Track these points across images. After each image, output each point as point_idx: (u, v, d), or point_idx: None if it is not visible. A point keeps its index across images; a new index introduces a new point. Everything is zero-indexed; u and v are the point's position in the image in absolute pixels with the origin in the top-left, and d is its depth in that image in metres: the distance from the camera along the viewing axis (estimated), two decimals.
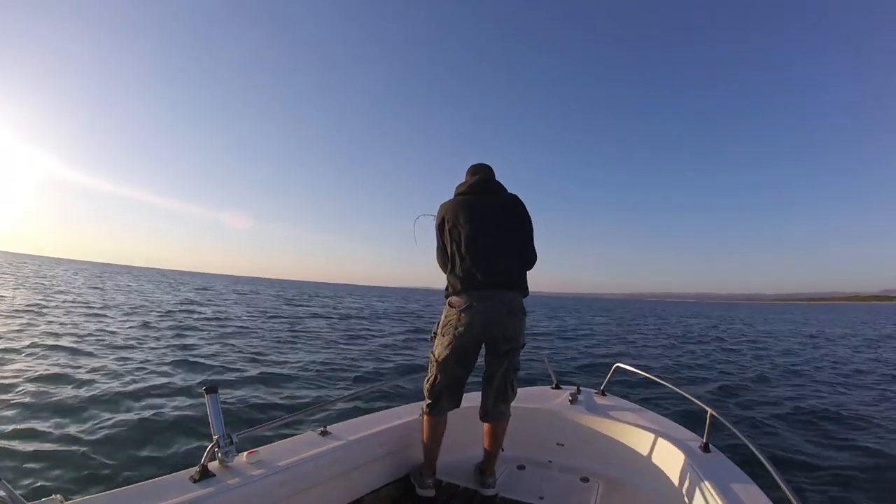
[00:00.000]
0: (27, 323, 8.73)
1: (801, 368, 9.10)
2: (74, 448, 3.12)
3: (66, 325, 8.86)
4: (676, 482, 1.74)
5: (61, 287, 21.14)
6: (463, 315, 1.77)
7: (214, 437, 1.35)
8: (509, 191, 1.99)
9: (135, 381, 4.92)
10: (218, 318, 12.86)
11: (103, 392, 4.42)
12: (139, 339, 7.85)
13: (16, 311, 10.44)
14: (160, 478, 1.30)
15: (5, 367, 5.11)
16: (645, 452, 2.02)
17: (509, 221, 1.88)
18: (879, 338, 17.54)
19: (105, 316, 11.04)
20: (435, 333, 1.88)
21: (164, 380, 5.08)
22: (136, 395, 4.38)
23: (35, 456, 2.96)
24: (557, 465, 2.21)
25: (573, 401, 2.39)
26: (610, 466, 2.12)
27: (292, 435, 1.74)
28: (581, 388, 2.54)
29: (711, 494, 1.44)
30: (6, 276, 27.20)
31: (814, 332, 20.35)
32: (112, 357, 6.16)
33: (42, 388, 4.44)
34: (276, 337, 9.76)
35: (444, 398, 1.85)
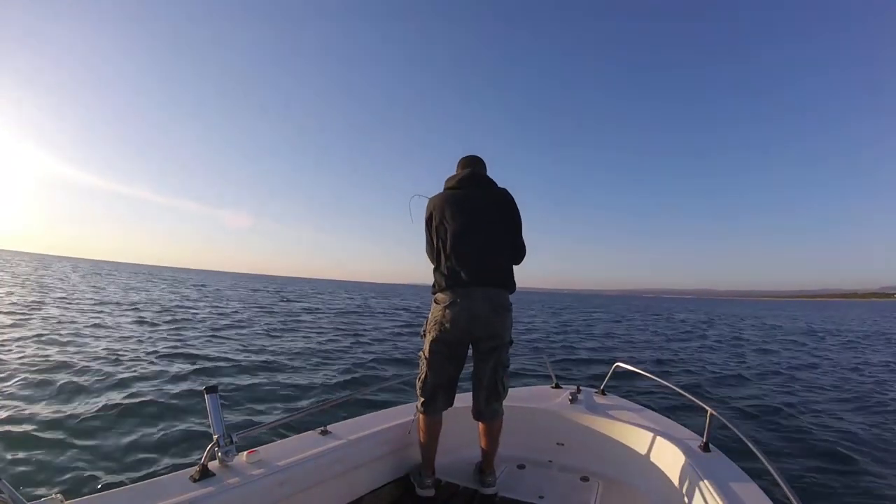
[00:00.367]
0: (23, 318, 8.76)
1: (796, 368, 9.10)
2: (71, 446, 3.12)
3: (62, 321, 8.88)
4: (676, 482, 1.74)
5: (57, 283, 21.18)
6: (448, 312, 1.78)
7: (214, 437, 1.35)
8: (499, 185, 1.96)
9: (132, 378, 4.92)
10: (213, 314, 12.89)
11: (99, 388, 4.43)
12: (134, 335, 7.85)
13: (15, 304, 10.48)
14: (160, 477, 1.30)
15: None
16: (645, 452, 2.02)
17: (497, 217, 1.87)
18: (865, 335, 17.56)
19: (101, 311, 11.06)
20: (425, 331, 1.88)
21: (162, 376, 5.08)
22: (134, 394, 4.39)
23: (32, 451, 2.97)
24: (557, 465, 2.21)
25: (573, 400, 2.39)
26: (610, 466, 2.12)
27: (292, 435, 1.74)
28: (581, 388, 2.55)
29: (711, 494, 1.44)
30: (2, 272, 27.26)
31: (807, 329, 20.34)
32: (105, 351, 6.17)
33: (37, 380, 4.46)
34: (270, 331, 9.80)
35: (438, 397, 1.85)
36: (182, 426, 3.64)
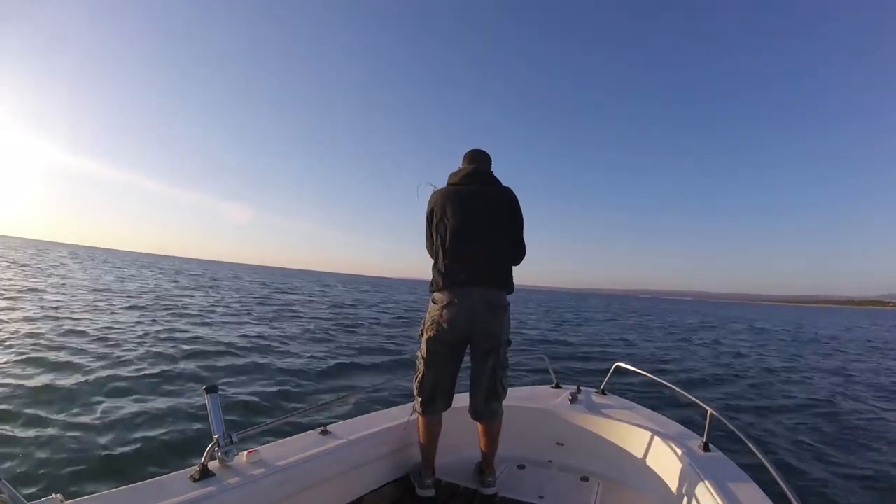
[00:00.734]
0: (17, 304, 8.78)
1: (792, 370, 9.11)
2: (69, 444, 3.12)
3: (59, 308, 8.89)
4: (676, 482, 1.74)
5: (55, 270, 21.20)
6: (445, 312, 1.77)
7: (214, 437, 1.35)
8: (504, 183, 1.94)
9: (123, 368, 4.92)
10: (207, 303, 12.91)
11: (95, 382, 4.42)
12: (130, 326, 7.86)
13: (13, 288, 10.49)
14: (160, 477, 1.30)
15: None
16: (645, 452, 2.02)
17: (498, 216, 1.85)
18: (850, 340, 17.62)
19: (99, 300, 11.07)
20: (422, 331, 1.87)
21: (159, 374, 5.08)
22: (131, 389, 4.38)
23: (29, 447, 2.97)
24: (557, 465, 2.21)
25: (573, 400, 2.39)
26: (610, 466, 2.12)
27: (292, 435, 1.74)
28: (581, 388, 2.54)
29: (711, 494, 1.44)
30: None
31: (806, 333, 20.35)
32: (101, 345, 6.15)
33: (30, 373, 4.46)
34: (268, 322, 9.82)
35: (437, 398, 1.83)
36: (177, 425, 3.63)
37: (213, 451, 1.35)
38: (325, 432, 1.77)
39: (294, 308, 14.70)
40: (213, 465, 1.37)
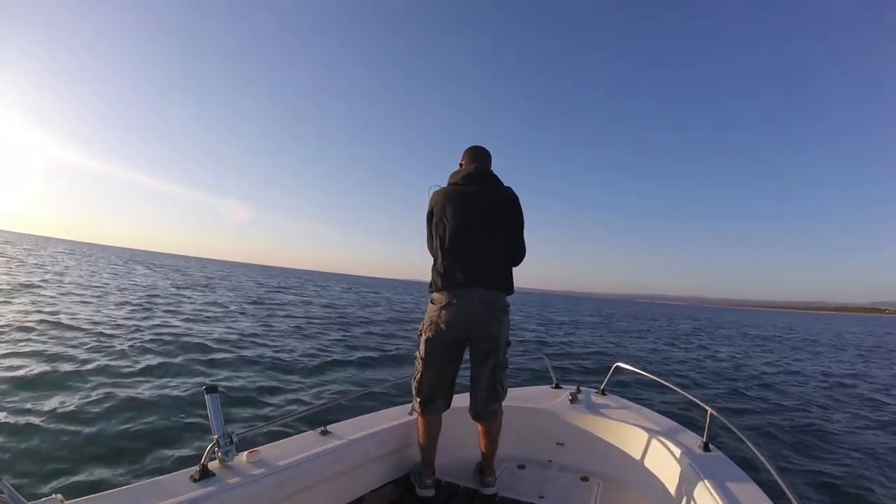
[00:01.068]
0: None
1: (787, 375, 9.12)
2: (67, 444, 3.12)
3: (51, 303, 8.88)
4: (676, 482, 1.74)
5: (51, 266, 21.21)
6: (443, 313, 1.76)
7: (214, 437, 1.35)
8: (505, 183, 1.93)
9: (116, 367, 4.90)
10: (204, 303, 12.91)
11: (94, 383, 4.41)
12: (122, 321, 7.86)
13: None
14: (160, 477, 1.29)
15: None
16: (645, 452, 2.02)
17: (499, 217, 1.83)
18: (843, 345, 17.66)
19: (96, 297, 11.06)
20: (421, 331, 1.86)
21: (156, 374, 5.08)
22: (129, 387, 4.38)
23: (28, 446, 2.97)
24: (557, 465, 2.21)
25: (573, 400, 2.39)
26: (610, 466, 2.12)
27: (292, 435, 1.74)
28: (581, 388, 2.55)
29: (711, 494, 1.44)
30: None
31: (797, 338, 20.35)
32: (92, 339, 6.15)
33: (26, 370, 4.45)
34: (262, 323, 9.83)
35: (436, 398, 1.83)
36: (179, 424, 3.63)
37: (213, 451, 1.35)
38: (325, 432, 1.77)
39: (288, 307, 14.72)
40: (213, 465, 1.37)
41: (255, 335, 8.13)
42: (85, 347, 5.74)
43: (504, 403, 1.89)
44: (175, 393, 4.34)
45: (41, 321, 7.03)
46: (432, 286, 1.84)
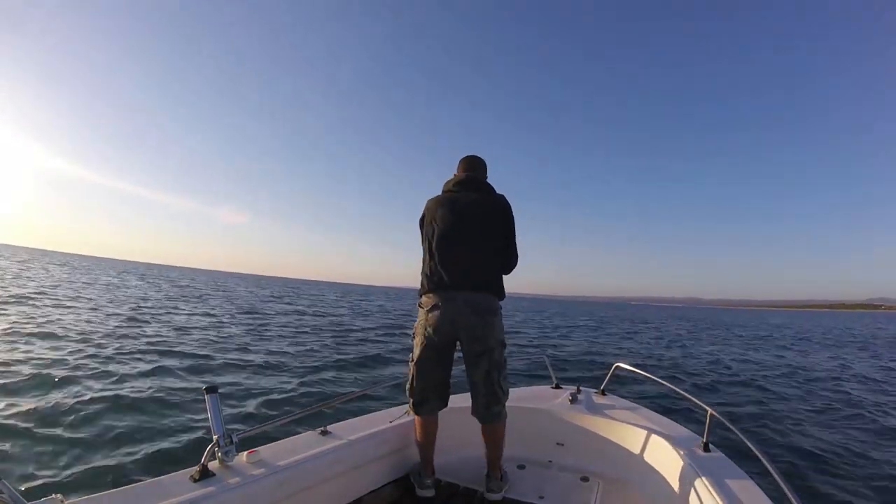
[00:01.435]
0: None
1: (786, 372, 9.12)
2: (66, 444, 3.12)
3: (48, 317, 8.87)
4: (676, 482, 1.74)
5: (44, 279, 21.19)
6: (430, 316, 1.78)
7: (214, 437, 1.35)
8: (498, 192, 1.95)
9: (125, 380, 4.92)
10: (196, 313, 12.91)
11: (93, 389, 4.42)
12: (111, 330, 7.87)
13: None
14: (160, 477, 1.30)
15: None
16: (645, 452, 2.02)
17: (487, 223, 1.84)
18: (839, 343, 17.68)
19: (89, 308, 11.06)
20: (413, 334, 1.89)
21: (155, 376, 5.09)
22: (128, 394, 4.39)
23: (28, 449, 2.97)
24: (557, 465, 2.21)
25: (573, 400, 2.39)
26: (610, 466, 2.12)
27: (292, 435, 1.74)
28: (581, 388, 2.54)
29: (711, 494, 1.44)
30: None
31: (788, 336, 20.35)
32: (80, 348, 6.15)
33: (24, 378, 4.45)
34: (252, 332, 9.82)
35: (429, 399, 1.84)
36: (178, 425, 3.64)
37: (213, 451, 1.36)
38: (325, 432, 1.77)
39: (281, 315, 14.76)
40: (213, 465, 1.37)
41: (248, 343, 8.15)
42: (78, 356, 5.75)
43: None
44: (169, 397, 4.35)
45: (33, 332, 7.04)
46: (420, 289, 1.86)
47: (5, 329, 7.08)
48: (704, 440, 1.83)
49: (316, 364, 6.50)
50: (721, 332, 21.86)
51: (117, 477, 2.75)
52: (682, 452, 1.78)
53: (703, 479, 1.53)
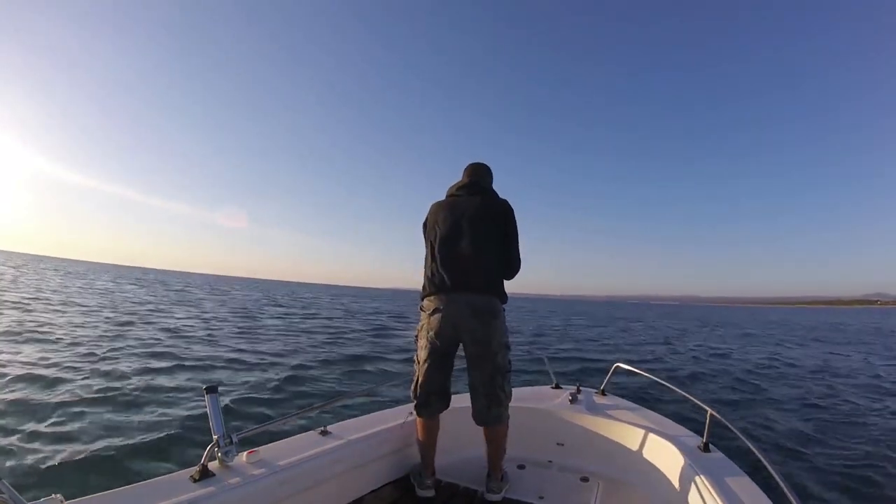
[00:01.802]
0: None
1: (786, 369, 9.13)
2: (66, 445, 3.12)
3: (45, 321, 8.88)
4: (676, 482, 1.74)
5: (40, 284, 21.19)
6: (432, 319, 1.79)
7: (214, 437, 1.35)
8: (501, 196, 1.96)
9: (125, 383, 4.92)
10: (190, 316, 12.92)
11: (93, 391, 4.42)
12: (102, 333, 7.88)
13: None
14: (160, 477, 1.30)
15: None
16: (645, 452, 2.02)
17: (489, 226, 1.84)
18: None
19: (84, 313, 11.06)
20: (416, 337, 1.90)
21: (153, 380, 5.08)
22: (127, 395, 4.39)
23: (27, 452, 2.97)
24: (557, 465, 2.21)
25: (573, 401, 2.39)
26: (610, 466, 2.12)
27: (292, 435, 1.74)
28: (581, 388, 2.54)
29: (711, 494, 1.44)
30: None
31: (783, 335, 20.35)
32: (92, 354, 6.16)
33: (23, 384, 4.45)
34: (252, 332, 9.84)
35: (432, 401, 1.85)
36: (178, 425, 3.63)
37: (213, 451, 1.35)
38: (325, 432, 1.77)
39: (279, 317, 14.76)
40: (213, 465, 1.37)
41: (240, 344, 8.15)
42: (74, 360, 5.75)
43: None
44: (168, 397, 4.35)
45: (30, 337, 7.06)
46: (422, 292, 1.87)
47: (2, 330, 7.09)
48: (704, 440, 1.83)
49: (316, 364, 6.50)
50: (718, 329, 21.85)
51: (117, 477, 2.75)
52: (681, 452, 1.78)
53: (703, 479, 1.53)
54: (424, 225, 1.96)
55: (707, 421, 1.83)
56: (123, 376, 5.10)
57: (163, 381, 5.08)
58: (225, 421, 1.39)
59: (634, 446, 2.07)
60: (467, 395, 1.95)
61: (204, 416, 1.39)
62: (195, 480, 1.28)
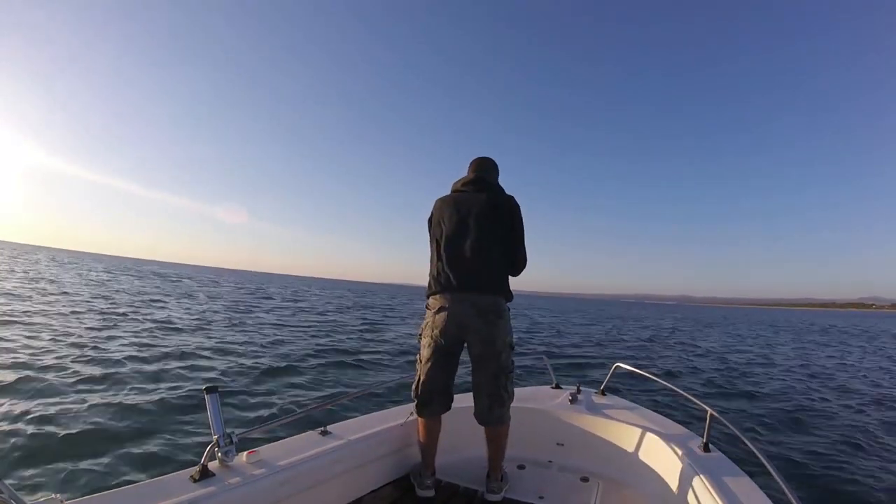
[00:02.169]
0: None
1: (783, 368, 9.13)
2: (62, 446, 3.11)
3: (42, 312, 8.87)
4: (676, 482, 1.74)
5: (35, 274, 21.21)
6: (437, 317, 1.78)
7: (214, 437, 1.35)
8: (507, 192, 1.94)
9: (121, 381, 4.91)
10: (184, 309, 12.90)
11: (91, 387, 4.42)
12: (97, 327, 7.87)
13: None
14: (160, 477, 1.29)
15: None
16: (644, 452, 2.02)
17: (494, 223, 1.82)
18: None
19: (80, 304, 11.05)
20: (420, 335, 1.88)
21: (153, 380, 5.07)
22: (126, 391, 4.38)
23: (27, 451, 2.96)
24: (557, 465, 2.21)
25: (573, 401, 2.39)
26: (610, 466, 2.12)
27: (292, 435, 1.74)
28: (581, 388, 2.54)
29: (711, 494, 1.44)
30: None
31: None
32: (90, 347, 6.13)
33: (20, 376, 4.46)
34: (251, 327, 9.83)
35: (434, 401, 1.84)
36: (177, 425, 3.63)
37: (213, 451, 1.35)
38: (325, 432, 1.77)
39: (278, 312, 14.76)
40: (213, 465, 1.37)
41: (245, 341, 8.13)
42: (69, 353, 5.74)
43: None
44: (165, 395, 4.34)
45: (26, 328, 7.05)
46: (428, 290, 1.86)
47: None
48: (704, 440, 1.83)
49: (315, 364, 6.49)
50: (714, 330, 21.89)
51: (116, 477, 2.75)
52: (681, 452, 1.78)
53: (703, 479, 1.53)
54: (430, 221, 1.94)
55: (707, 421, 1.83)
56: (118, 363, 5.08)
57: (155, 373, 5.08)
58: (224, 421, 1.39)
59: (634, 446, 2.07)
60: (467, 395, 1.95)
61: (203, 416, 1.39)
62: (195, 480, 1.28)
